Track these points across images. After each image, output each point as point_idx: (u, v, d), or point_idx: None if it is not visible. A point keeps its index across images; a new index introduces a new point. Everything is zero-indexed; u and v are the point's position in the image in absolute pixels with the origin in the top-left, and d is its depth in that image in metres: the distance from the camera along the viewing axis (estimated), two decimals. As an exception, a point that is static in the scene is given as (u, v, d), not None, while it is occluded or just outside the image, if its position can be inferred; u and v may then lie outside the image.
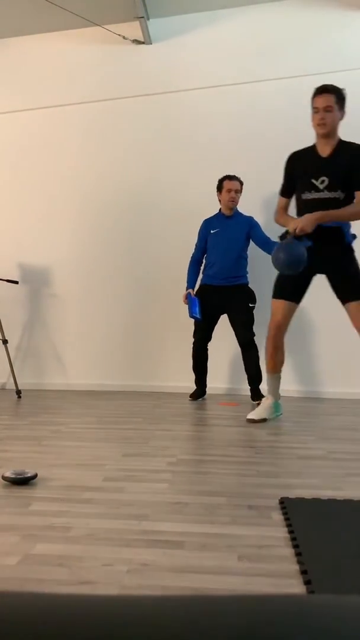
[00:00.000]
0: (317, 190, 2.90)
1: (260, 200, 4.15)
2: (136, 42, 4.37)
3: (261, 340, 3.84)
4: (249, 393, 3.84)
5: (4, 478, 1.86)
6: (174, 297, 4.23)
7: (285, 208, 3.08)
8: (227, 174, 3.83)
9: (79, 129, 4.50)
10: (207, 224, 3.90)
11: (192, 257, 3.93)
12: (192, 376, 3.95)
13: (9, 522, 1.52)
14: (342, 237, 2.93)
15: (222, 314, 3.85)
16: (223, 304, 3.78)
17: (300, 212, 2.96)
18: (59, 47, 4.55)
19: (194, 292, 3.87)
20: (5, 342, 4.09)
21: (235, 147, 4.25)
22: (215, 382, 4.07)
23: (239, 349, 3.87)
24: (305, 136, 4.16)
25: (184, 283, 4.03)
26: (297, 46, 4.19)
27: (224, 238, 3.79)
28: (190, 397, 3.90)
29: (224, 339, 3.97)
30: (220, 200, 3.85)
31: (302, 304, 4.14)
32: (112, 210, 4.43)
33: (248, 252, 3.88)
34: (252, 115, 4.27)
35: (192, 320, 3.88)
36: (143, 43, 4.37)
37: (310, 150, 3.00)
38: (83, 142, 4.49)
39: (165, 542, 1.39)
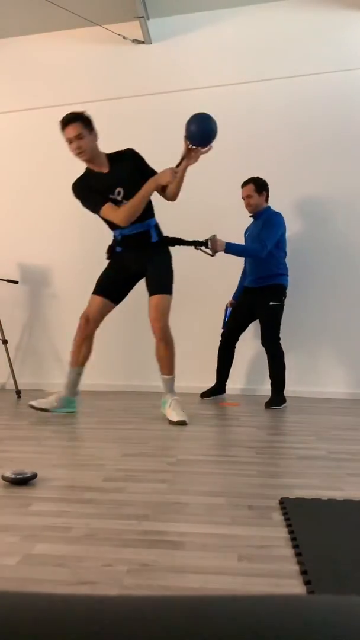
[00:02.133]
0: (118, 202, 3.06)
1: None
2: (136, 42, 4.37)
3: (256, 342, 3.85)
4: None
5: (4, 478, 1.86)
6: (174, 297, 4.22)
7: (115, 207, 3.06)
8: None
9: (79, 129, 4.49)
10: (246, 230, 3.90)
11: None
12: (193, 376, 3.96)
13: (9, 522, 1.52)
14: (149, 238, 3.13)
15: (253, 319, 3.81)
16: (252, 309, 3.75)
17: (116, 227, 3.13)
18: (59, 47, 4.55)
19: (232, 302, 3.91)
20: (5, 342, 4.09)
21: (235, 146, 4.25)
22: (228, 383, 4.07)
23: (244, 350, 3.86)
24: (306, 136, 4.17)
25: (184, 283, 4.04)
26: (297, 46, 4.20)
27: (248, 238, 3.80)
28: (201, 395, 3.92)
29: (218, 336, 3.97)
30: None
31: (303, 304, 4.16)
32: (112, 210, 4.43)
33: (287, 248, 3.78)
34: (252, 115, 4.27)
35: (192, 320, 3.88)
36: (143, 43, 4.37)
37: (90, 174, 3.14)
38: (83, 142, 4.48)
39: (165, 542, 1.39)
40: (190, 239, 3.44)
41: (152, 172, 3.09)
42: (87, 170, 3.15)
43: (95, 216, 4.53)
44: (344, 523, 1.51)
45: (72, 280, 4.50)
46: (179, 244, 3.35)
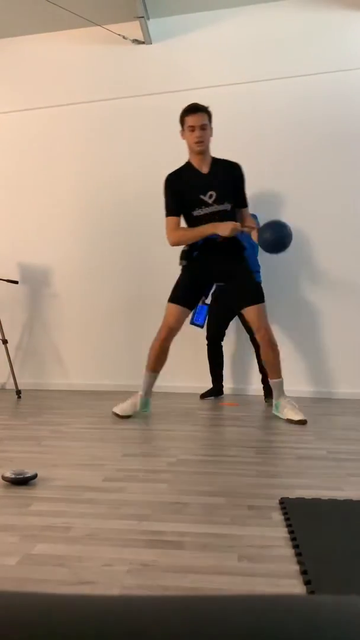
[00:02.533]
0: (207, 205, 3.06)
1: (260, 200, 4.15)
2: (136, 42, 4.37)
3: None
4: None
5: (4, 478, 1.86)
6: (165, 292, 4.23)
7: (179, 225, 3.13)
8: None
9: (79, 129, 4.50)
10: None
11: None
12: (193, 376, 3.96)
13: (9, 522, 1.52)
14: (238, 247, 3.15)
15: (233, 316, 3.84)
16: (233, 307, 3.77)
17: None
18: (59, 47, 4.55)
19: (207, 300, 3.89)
20: (5, 342, 4.09)
21: (235, 146, 4.25)
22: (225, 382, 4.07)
23: (240, 349, 3.86)
24: (306, 136, 4.17)
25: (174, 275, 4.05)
26: (297, 46, 4.19)
27: None
28: (201, 396, 3.92)
29: (224, 338, 3.97)
30: None
31: (303, 304, 4.16)
32: (112, 210, 4.43)
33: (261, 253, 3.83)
34: (252, 115, 4.27)
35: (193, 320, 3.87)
36: (143, 43, 4.37)
37: (188, 169, 3.13)
38: (83, 142, 4.49)
39: (165, 542, 1.39)
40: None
41: (243, 199, 3.16)
42: (187, 164, 3.15)
43: (95, 216, 4.56)
44: (344, 523, 1.51)
45: (72, 280, 4.50)
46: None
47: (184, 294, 3.19)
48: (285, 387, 4.17)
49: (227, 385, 4.13)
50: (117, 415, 3.17)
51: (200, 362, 4.09)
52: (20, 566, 1.25)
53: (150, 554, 1.31)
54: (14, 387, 4.07)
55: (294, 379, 4.17)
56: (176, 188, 3.10)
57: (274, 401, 3.21)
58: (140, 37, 4.34)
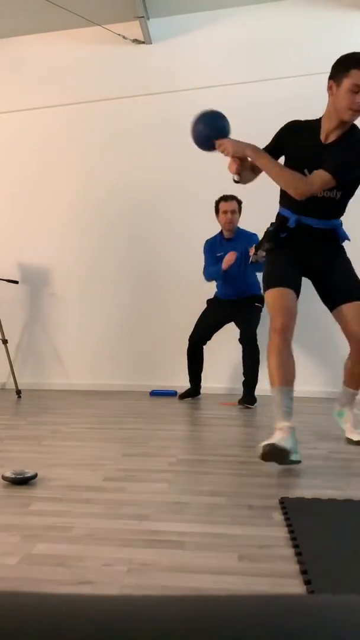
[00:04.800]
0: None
1: (260, 203, 4.15)
2: (136, 42, 4.37)
3: (263, 338, 3.85)
4: (234, 392, 3.82)
5: (4, 478, 1.86)
6: (173, 297, 4.23)
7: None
8: (223, 194, 3.73)
9: (79, 129, 4.50)
10: (211, 246, 3.84)
11: (207, 273, 3.81)
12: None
13: (9, 522, 1.52)
14: (336, 238, 2.52)
15: (230, 321, 3.83)
16: (233, 313, 3.76)
17: (286, 205, 2.47)
18: (59, 47, 4.55)
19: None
20: (5, 342, 4.09)
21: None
22: (216, 381, 4.07)
23: (239, 349, 3.86)
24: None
25: (183, 283, 4.05)
26: (297, 46, 4.19)
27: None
28: (179, 397, 3.88)
29: (224, 338, 3.97)
30: (219, 223, 3.79)
31: (303, 304, 4.15)
32: (112, 210, 4.43)
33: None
34: (252, 115, 4.26)
35: (192, 320, 3.87)
36: (143, 43, 4.37)
37: (313, 129, 2.42)
38: (83, 142, 4.49)
39: (165, 542, 1.39)
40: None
41: (336, 164, 2.27)
42: (316, 122, 2.45)
43: (95, 216, 4.55)
44: (344, 523, 1.51)
45: (72, 280, 4.50)
46: None
47: (282, 274, 2.43)
48: (294, 388, 4.16)
49: (227, 385, 4.12)
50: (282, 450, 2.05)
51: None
52: (20, 566, 1.25)
53: (150, 554, 1.31)
54: (14, 387, 4.07)
55: (296, 379, 4.16)
56: (286, 140, 2.52)
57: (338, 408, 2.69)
58: (140, 37, 4.34)
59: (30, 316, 4.58)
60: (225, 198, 3.69)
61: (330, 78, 2.37)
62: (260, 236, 2.65)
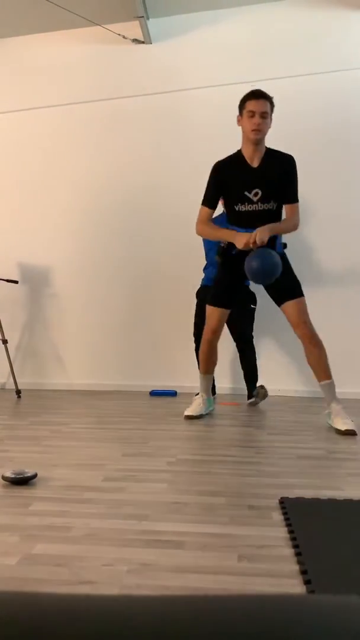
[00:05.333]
0: (251, 202, 2.88)
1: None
2: (136, 41, 4.37)
3: (257, 341, 3.86)
4: (240, 392, 3.84)
5: (4, 478, 1.86)
6: (173, 297, 4.23)
7: (210, 219, 3.01)
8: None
9: (79, 129, 4.50)
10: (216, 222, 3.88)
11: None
12: (192, 376, 3.94)
13: (9, 522, 1.52)
14: (275, 247, 2.89)
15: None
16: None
17: (235, 223, 2.94)
18: (59, 47, 4.55)
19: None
20: (5, 342, 4.09)
21: (235, 146, 4.25)
22: (216, 381, 4.07)
23: (223, 351, 3.86)
24: (306, 136, 4.17)
25: (183, 283, 4.04)
26: (297, 46, 4.19)
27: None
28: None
29: (223, 338, 3.96)
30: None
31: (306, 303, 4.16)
32: (112, 210, 4.43)
33: None
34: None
35: (192, 320, 3.87)
36: (143, 43, 4.37)
37: (238, 160, 2.93)
38: (83, 142, 4.49)
39: (165, 542, 1.39)
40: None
41: (292, 194, 2.91)
42: (237, 154, 2.95)
43: (95, 215, 4.55)
44: (344, 523, 1.51)
45: (72, 280, 4.50)
46: None
47: (222, 295, 3.04)
48: (287, 387, 4.19)
49: (227, 385, 4.13)
50: (189, 417, 3.10)
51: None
52: (20, 566, 1.25)
53: (150, 554, 1.31)
54: (14, 387, 4.07)
55: (295, 379, 4.17)
56: (222, 178, 2.93)
57: (326, 410, 2.94)
58: (140, 37, 4.34)
59: (30, 316, 4.58)
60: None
61: (238, 115, 2.93)
62: None
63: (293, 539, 1.39)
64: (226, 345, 4.06)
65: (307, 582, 1.17)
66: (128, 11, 4.14)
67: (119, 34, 4.31)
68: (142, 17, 4.11)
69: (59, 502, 1.68)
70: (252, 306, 3.80)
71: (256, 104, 2.80)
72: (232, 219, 2.96)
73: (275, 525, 1.50)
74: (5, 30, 4.53)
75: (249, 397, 3.74)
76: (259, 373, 3.82)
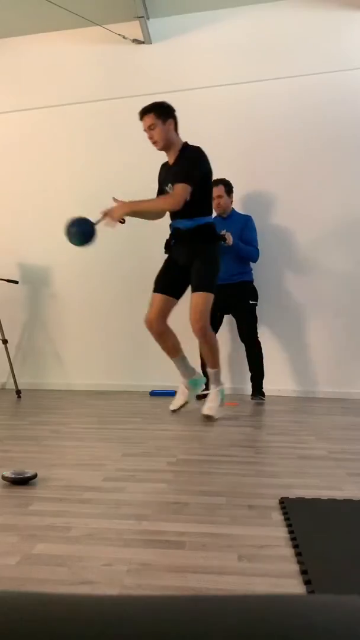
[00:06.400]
0: None
1: (260, 199, 4.15)
2: (136, 41, 4.37)
3: (262, 339, 3.86)
4: (249, 392, 3.85)
5: (4, 478, 1.86)
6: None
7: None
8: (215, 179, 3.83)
9: (79, 129, 4.50)
10: None
11: None
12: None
13: (9, 522, 1.52)
14: (196, 235, 3.09)
15: (227, 314, 3.90)
16: (227, 304, 3.81)
17: (173, 217, 3.19)
18: (59, 47, 4.55)
19: None
20: (5, 342, 4.09)
21: (235, 146, 4.25)
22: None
23: (239, 348, 3.87)
24: (305, 135, 4.17)
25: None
26: (297, 46, 4.19)
27: None
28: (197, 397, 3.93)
29: (225, 337, 3.97)
30: None
31: (303, 304, 4.16)
32: (112, 210, 4.42)
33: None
34: (252, 115, 4.27)
35: (178, 313, 3.88)
36: (143, 43, 4.37)
37: (165, 162, 3.23)
38: (83, 142, 4.49)
39: (165, 542, 1.39)
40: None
41: (183, 175, 2.99)
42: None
43: (95, 215, 4.54)
44: (344, 523, 1.51)
45: (72, 280, 4.50)
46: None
47: (163, 282, 3.20)
48: (287, 387, 4.19)
49: (228, 385, 4.12)
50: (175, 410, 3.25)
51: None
52: (20, 566, 1.25)
53: (150, 554, 1.31)
54: (14, 387, 4.07)
55: (296, 379, 4.17)
56: (161, 170, 3.24)
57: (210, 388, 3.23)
58: (140, 37, 4.34)
59: (30, 316, 4.58)
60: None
61: None
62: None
63: (293, 539, 1.39)
64: (228, 344, 4.07)
65: (307, 582, 1.17)
66: (128, 11, 4.14)
67: (119, 34, 4.31)
68: (142, 17, 4.11)
69: (59, 502, 1.68)
70: (250, 302, 3.83)
71: (143, 123, 3.11)
72: (172, 215, 3.19)
73: (275, 525, 1.50)
74: (5, 30, 4.53)
75: (253, 395, 3.78)
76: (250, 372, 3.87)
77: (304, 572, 1.21)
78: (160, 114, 3.06)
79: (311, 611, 0.31)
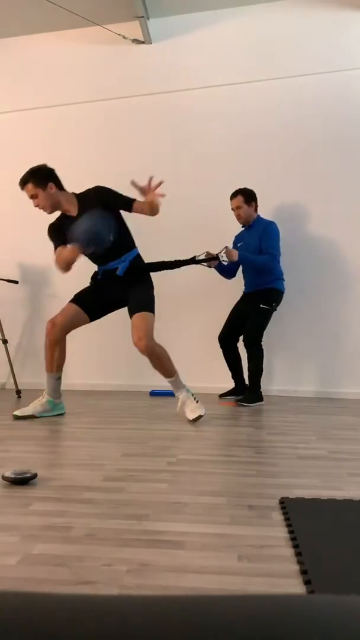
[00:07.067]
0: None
1: (259, 199, 4.15)
2: (136, 41, 4.37)
3: (266, 347, 3.86)
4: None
5: (4, 478, 1.86)
6: (173, 297, 4.23)
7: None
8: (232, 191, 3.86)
9: (79, 129, 4.50)
10: (237, 238, 3.96)
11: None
12: (193, 376, 3.95)
13: (9, 522, 1.52)
14: (131, 272, 3.13)
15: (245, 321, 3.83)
16: (246, 308, 3.81)
17: (95, 262, 3.28)
18: (59, 47, 4.55)
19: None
20: (5, 342, 4.09)
21: (234, 146, 4.25)
22: (216, 381, 4.08)
23: (241, 349, 3.87)
24: (306, 135, 4.17)
25: (183, 282, 4.05)
26: (297, 46, 4.19)
27: (244, 249, 3.79)
28: (219, 396, 3.95)
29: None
30: None
31: (303, 303, 4.16)
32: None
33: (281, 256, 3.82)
34: (251, 115, 4.27)
35: (193, 320, 3.88)
36: (143, 43, 4.37)
37: (63, 217, 3.21)
38: (83, 142, 4.49)
39: (165, 542, 1.38)
40: (185, 258, 3.63)
41: (125, 201, 3.07)
42: (62, 212, 3.17)
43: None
44: (344, 523, 1.51)
45: (72, 280, 4.49)
46: (170, 268, 3.50)
47: (84, 299, 3.23)
48: (287, 387, 4.19)
49: (226, 385, 4.12)
50: (17, 417, 3.11)
51: (200, 361, 4.09)
52: (20, 566, 1.25)
53: (150, 554, 1.31)
54: (14, 387, 4.07)
55: (296, 379, 4.17)
56: (55, 230, 3.20)
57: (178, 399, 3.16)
58: (140, 37, 4.34)
59: (30, 316, 4.58)
60: (231, 196, 3.84)
61: None
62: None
63: (293, 539, 1.39)
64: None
65: (307, 582, 1.17)
66: (128, 11, 4.14)
67: (119, 34, 4.31)
68: (142, 17, 4.12)
69: (59, 502, 1.68)
70: (261, 306, 3.71)
71: (26, 193, 3.12)
72: (93, 260, 3.30)
73: (275, 525, 1.50)
74: (5, 30, 4.53)
75: (243, 400, 3.67)
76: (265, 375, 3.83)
77: (304, 572, 1.21)
78: (38, 182, 3.04)
79: (311, 611, 0.31)
